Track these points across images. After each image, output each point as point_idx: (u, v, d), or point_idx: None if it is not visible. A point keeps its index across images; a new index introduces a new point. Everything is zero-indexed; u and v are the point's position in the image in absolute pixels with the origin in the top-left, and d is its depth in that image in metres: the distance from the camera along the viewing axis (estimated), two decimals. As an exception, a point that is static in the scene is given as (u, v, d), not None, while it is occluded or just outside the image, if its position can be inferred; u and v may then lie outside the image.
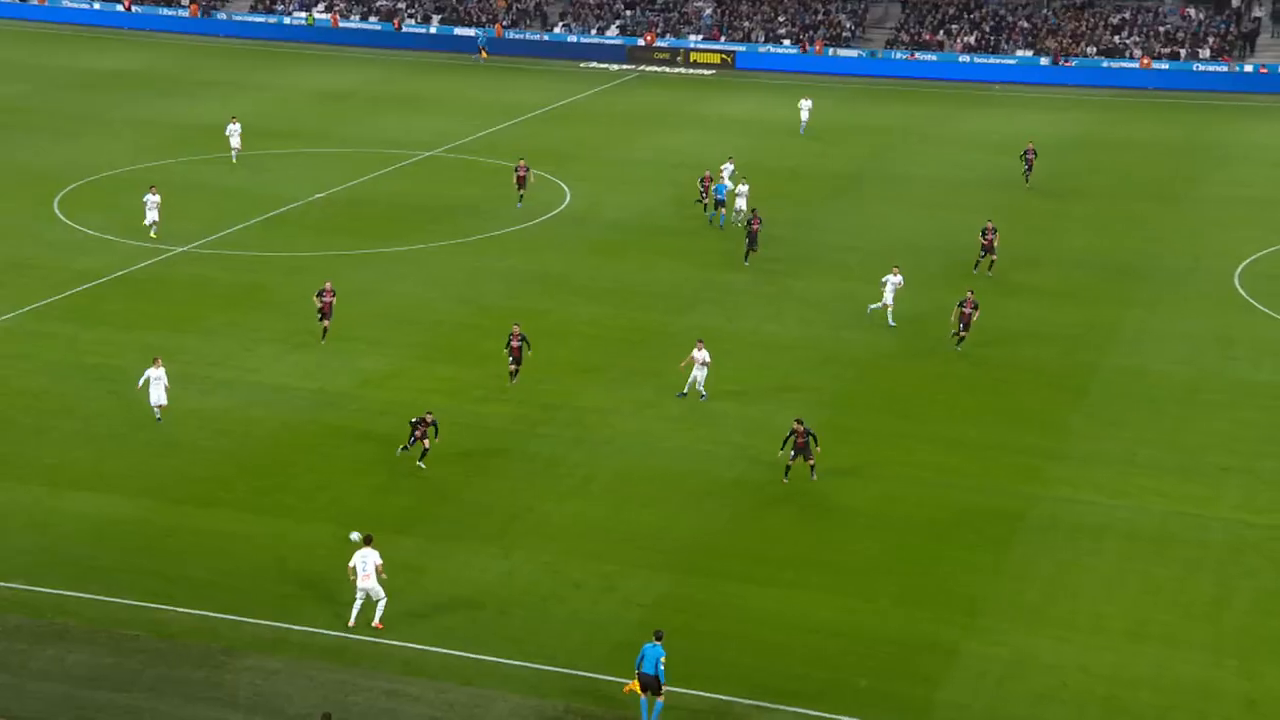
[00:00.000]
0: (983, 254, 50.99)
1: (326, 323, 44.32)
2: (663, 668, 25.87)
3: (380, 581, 29.02)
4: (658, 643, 26.04)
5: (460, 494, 35.47)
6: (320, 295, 44.33)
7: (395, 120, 78.05)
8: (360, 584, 28.89)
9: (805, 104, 74.22)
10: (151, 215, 54.41)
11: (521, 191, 59.36)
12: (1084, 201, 62.93)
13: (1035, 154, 63.59)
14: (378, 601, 29.00)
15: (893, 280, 46.04)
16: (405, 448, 36.61)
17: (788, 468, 35.53)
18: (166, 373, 38.65)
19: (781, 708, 27.05)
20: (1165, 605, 30.97)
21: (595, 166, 68.58)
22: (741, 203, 57.48)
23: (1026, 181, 63.05)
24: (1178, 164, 69.28)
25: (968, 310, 43.44)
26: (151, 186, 55.23)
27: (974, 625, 29.95)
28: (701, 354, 40.49)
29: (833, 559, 32.43)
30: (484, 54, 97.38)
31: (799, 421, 35.18)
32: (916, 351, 45.16)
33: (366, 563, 28.96)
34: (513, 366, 40.90)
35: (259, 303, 48.72)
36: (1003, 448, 38.14)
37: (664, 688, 26.03)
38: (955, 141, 74.12)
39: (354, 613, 29.06)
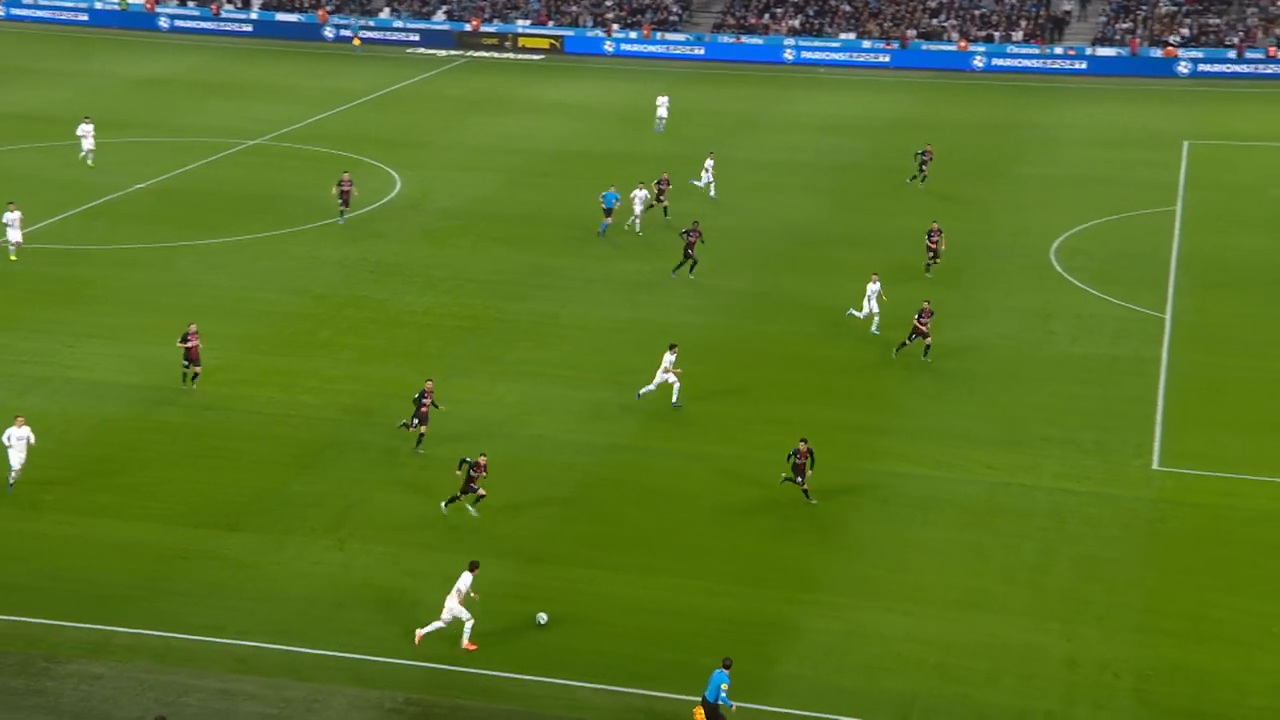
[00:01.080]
0: (931, 257, 50.15)
1: (197, 369, 39.75)
2: (725, 695, 25.20)
3: (468, 603, 28.04)
4: (725, 670, 25.54)
5: (292, 487, 34.88)
6: (185, 340, 39.70)
7: (218, 108, 76.27)
8: (446, 602, 27.92)
9: (662, 101, 72.64)
10: (14, 235, 50.17)
11: (344, 208, 54.78)
12: (909, 182, 64.29)
13: (931, 156, 61.86)
14: (465, 622, 28.05)
15: (872, 288, 44.96)
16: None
17: (791, 483, 34.22)
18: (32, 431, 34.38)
19: (624, 690, 27.17)
20: (992, 573, 31.82)
21: (425, 153, 67.89)
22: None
23: (921, 184, 61.03)
24: (996, 144, 71.05)
25: (924, 321, 42.50)
26: (11, 204, 51.53)
27: (810, 600, 30.40)
28: (669, 357, 39.11)
29: (672, 541, 32.63)
30: (357, 41, 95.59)
31: (804, 441, 33.78)
32: (752, 334, 45.62)
33: (457, 586, 28.05)
34: (420, 428, 36.46)
35: (81, 298, 47.27)
36: (838, 426, 38.73)
37: (721, 716, 25.40)
38: (786, 125, 75.04)
39: (426, 630, 28.03)
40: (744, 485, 35.46)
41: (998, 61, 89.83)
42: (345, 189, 54.99)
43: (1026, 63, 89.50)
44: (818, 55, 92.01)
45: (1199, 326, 46.36)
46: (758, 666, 27.97)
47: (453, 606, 27.99)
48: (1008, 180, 63.96)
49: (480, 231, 55.72)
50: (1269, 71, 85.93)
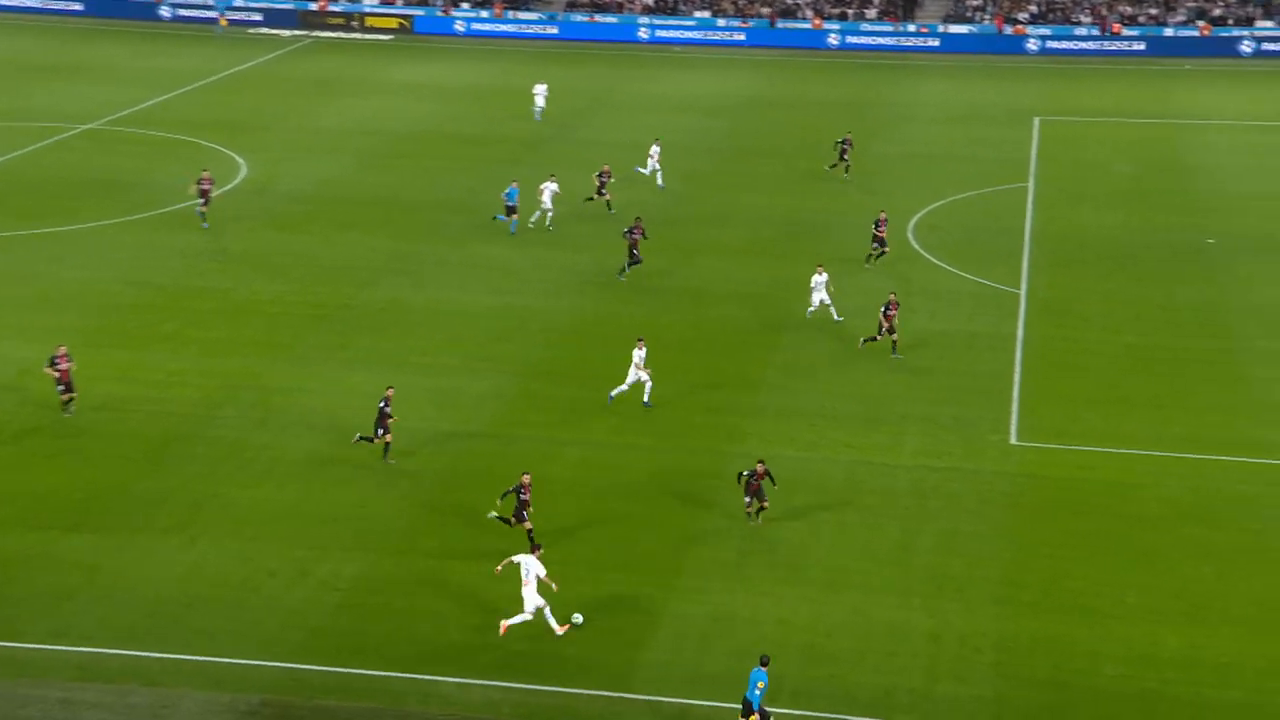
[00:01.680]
0: (875, 246, 49.83)
1: (73, 394, 37.16)
2: (758, 694, 25.13)
3: (544, 588, 28.26)
4: (763, 669, 25.46)
5: (137, 484, 34.01)
6: (53, 364, 37.18)
7: (49, 90, 73.94)
8: (523, 593, 28.11)
9: (540, 89, 71.04)
10: None
11: (203, 208, 52.29)
12: (767, 160, 64.68)
13: (851, 144, 61.11)
14: (544, 609, 28.17)
15: (818, 279, 44.64)
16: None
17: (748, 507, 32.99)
18: None
19: (487, 682, 26.96)
20: (857, 552, 32.24)
21: (270, 136, 66.59)
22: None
23: (846, 173, 60.26)
24: (853, 122, 71.82)
25: (891, 313, 42.04)
26: None
27: (675, 585, 30.46)
28: (639, 353, 38.40)
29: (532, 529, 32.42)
30: (224, 21, 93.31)
31: (761, 463, 32.73)
32: (608, 316, 45.55)
33: (529, 571, 28.09)
34: (385, 438, 34.79)
35: (-97, 291, 45.59)
36: (700, 408, 38.87)
37: (756, 714, 25.30)
38: (642, 105, 75.05)
39: (513, 621, 28.19)
40: (605, 472, 35.37)
41: (852, 39, 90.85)
42: (205, 187, 52.71)
43: (881, 40, 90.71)
44: (672, 34, 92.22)
45: (1053, 302, 47.44)
46: (626, 653, 27.95)
47: (530, 596, 28.09)
48: (864, 158, 64.68)
49: (329, 216, 54.82)
50: (1114, 48, 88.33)
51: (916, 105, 75.84)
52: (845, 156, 60.69)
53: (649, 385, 38.77)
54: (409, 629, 28.56)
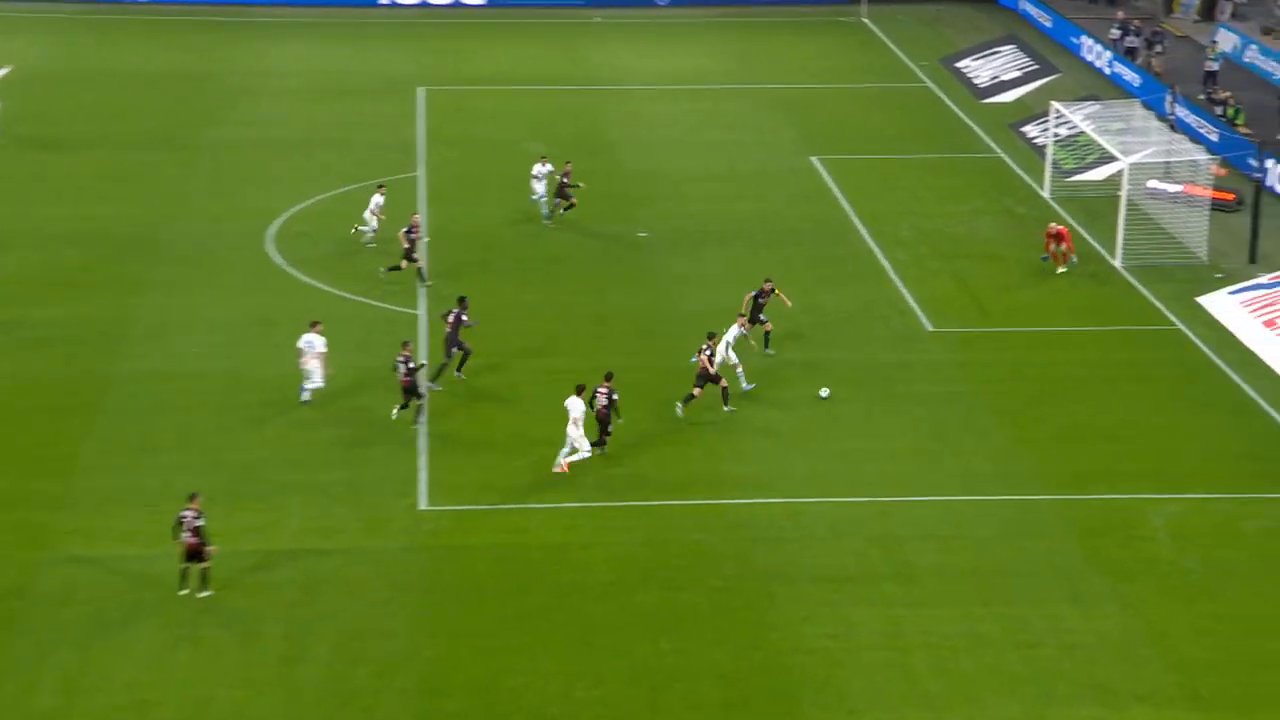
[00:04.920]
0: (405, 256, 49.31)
1: None
2: None
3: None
4: None
5: None
6: None
7: None
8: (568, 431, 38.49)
9: None
10: None
11: None
12: (66, 155, 62.29)
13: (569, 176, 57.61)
14: (579, 448, 38.46)
15: (734, 332, 43.79)
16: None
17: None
18: None
19: None
20: (228, 678, 31.47)
21: None
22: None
23: (562, 211, 57.41)
24: (185, 100, 70.33)
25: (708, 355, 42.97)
26: None
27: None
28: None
29: None
30: None
31: (608, 377, 39.64)
32: None
33: (572, 408, 38.78)
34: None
35: None
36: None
37: None
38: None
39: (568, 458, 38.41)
40: None
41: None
42: None
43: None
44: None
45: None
46: None
47: (573, 434, 38.68)
48: (199, 151, 63.46)
49: None
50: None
51: (267, 75, 75.32)
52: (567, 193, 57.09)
53: None
54: None
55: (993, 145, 66.44)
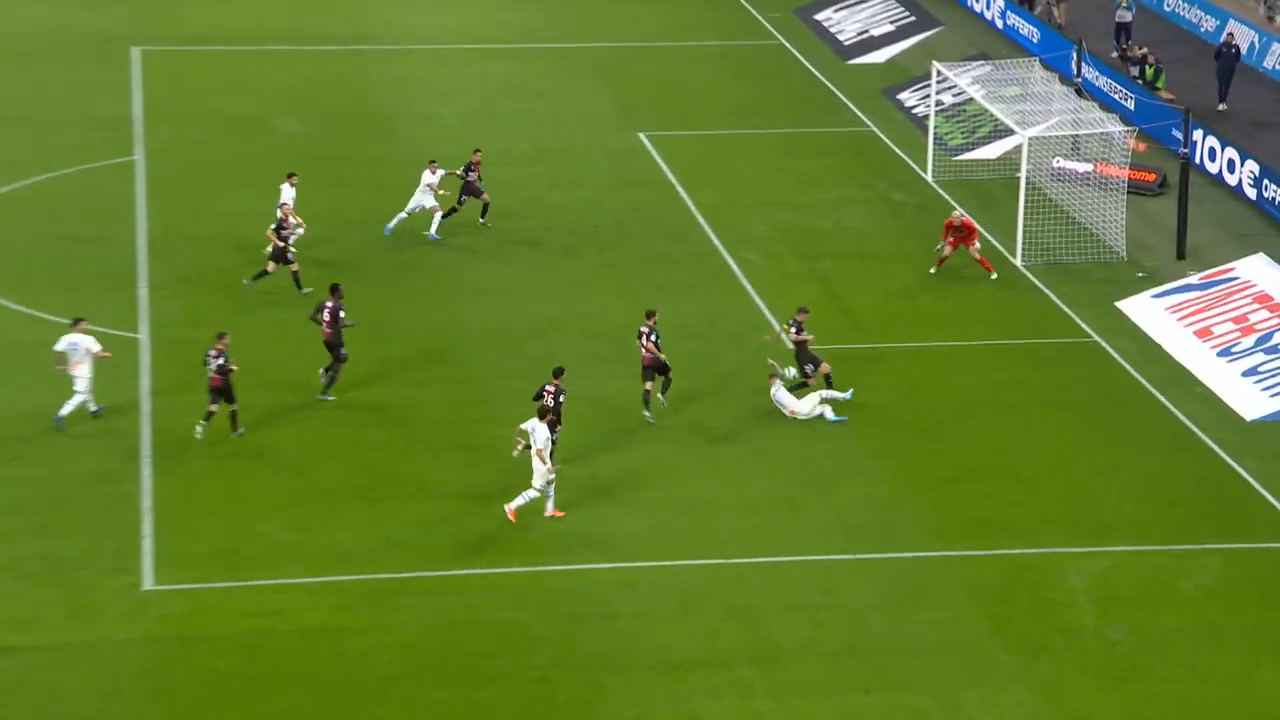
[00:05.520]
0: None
1: None
2: None
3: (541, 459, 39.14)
4: None
5: None
6: None
7: None
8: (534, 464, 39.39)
9: None
10: None
11: None
12: None
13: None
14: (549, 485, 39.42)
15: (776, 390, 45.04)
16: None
17: None
18: None
19: None
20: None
21: None
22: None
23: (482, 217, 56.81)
24: None
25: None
26: None
27: None
28: None
29: None
30: None
31: (558, 373, 41.43)
32: None
33: (535, 435, 39.32)
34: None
35: None
36: None
37: None
38: None
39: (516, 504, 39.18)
40: None
41: None
42: None
43: None
44: None
45: (194, 346, 47.05)
46: None
47: (541, 469, 39.39)
48: None
49: None
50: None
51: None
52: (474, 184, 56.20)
53: None
54: None
55: (862, 117, 66.98)
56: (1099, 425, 45.46)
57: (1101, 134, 57.91)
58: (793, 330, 46.13)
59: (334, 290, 45.72)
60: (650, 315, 44.91)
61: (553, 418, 40.34)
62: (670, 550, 39.36)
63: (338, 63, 72.89)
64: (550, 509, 39.95)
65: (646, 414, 44.53)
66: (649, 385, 44.55)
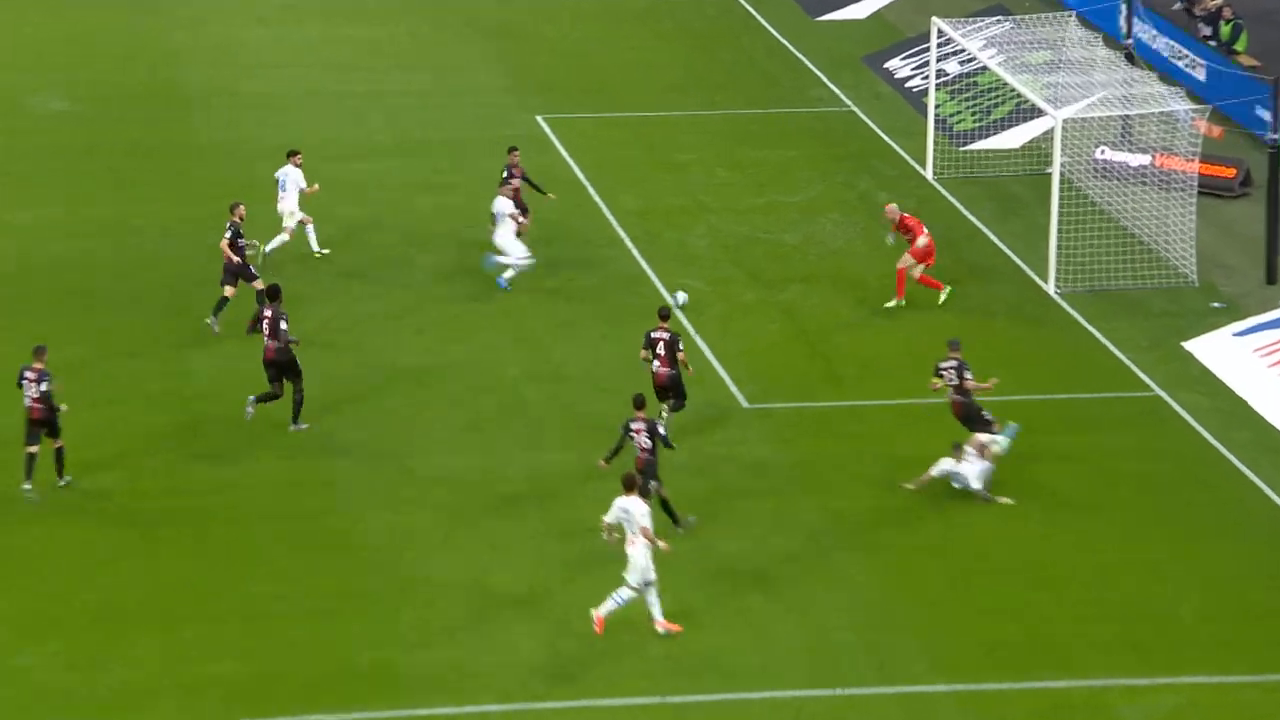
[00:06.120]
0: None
1: None
2: None
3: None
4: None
5: None
6: None
7: None
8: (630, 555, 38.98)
9: None
10: None
11: None
12: None
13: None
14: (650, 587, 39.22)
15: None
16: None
17: None
18: None
19: None
20: None
21: None
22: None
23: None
24: None
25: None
26: None
27: None
28: None
29: None
30: None
31: (638, 405, 42.23)
32: None
33: (631, 516, 38.73)
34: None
35: None
36: None
37: None
38: None
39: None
40: None
41: None
42: None
43: None
44: None
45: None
46: None
47: (642, 564, 39.06)
48: None
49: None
50: None
51: None
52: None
53: None
54: None
55: (838, 92, 67.30)
56: (1164, 511, 45.08)
57: (1161, 114, 57.51)
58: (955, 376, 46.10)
59: (272, 294, 47.61)
60: (664, 317, 46.25)
61: (643, 481, 40.13)
62: (568, 687, 38.46)
63: (122, 20, 72.89)
64: (659, 618, 39.31)
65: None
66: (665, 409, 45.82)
